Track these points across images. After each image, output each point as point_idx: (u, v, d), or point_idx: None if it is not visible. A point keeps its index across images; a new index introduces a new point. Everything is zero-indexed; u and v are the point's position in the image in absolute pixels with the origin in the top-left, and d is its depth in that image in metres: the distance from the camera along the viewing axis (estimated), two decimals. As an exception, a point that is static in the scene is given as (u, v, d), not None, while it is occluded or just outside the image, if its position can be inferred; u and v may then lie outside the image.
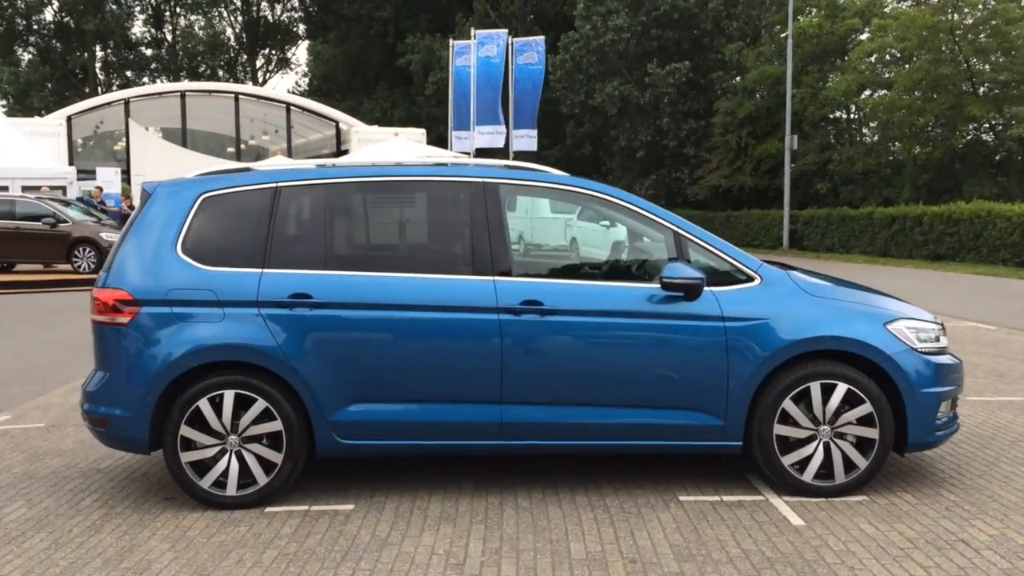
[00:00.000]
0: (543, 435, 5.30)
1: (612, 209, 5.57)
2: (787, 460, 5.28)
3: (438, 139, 41.28)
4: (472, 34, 34.98)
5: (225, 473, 5.24)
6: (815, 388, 5.24)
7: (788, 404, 5.25)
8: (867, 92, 34.43)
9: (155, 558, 4.56)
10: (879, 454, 5.29)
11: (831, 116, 36.64)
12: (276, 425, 5.22)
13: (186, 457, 5.23)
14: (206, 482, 5.24)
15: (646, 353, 5.26)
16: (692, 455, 5.82)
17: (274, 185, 5.45)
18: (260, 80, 66.15)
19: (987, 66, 30.11)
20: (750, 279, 5.36)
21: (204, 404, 5.20)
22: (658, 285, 5.25)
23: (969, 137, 31.36)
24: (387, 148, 25.04)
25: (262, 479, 5.24)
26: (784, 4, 35.24)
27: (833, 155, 34.44)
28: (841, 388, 5.23)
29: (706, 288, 5.24)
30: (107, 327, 5.31)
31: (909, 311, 5.53)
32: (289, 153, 34.24)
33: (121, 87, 57.21)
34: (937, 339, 5.47)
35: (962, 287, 18.99)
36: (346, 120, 35.84)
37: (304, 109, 36.03)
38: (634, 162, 43.86)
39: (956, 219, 25.80)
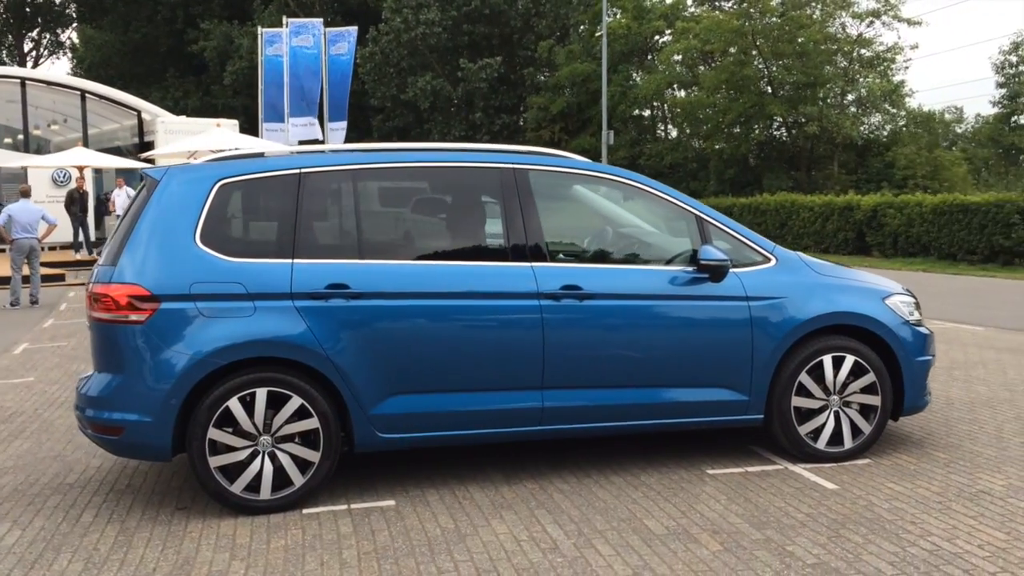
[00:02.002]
0: (583, 419, 5.36)
1: (636, 194, 5.69)
2: (803, 430, 5.59)
3: (242, 131, 39.80)
4: (284, 22, 33.99)
5: (258, 476, 4.96)
6: (827, 361, 5.57)
7: (804, 377, 5.55)
8: (681, 92, 36.16)
9: (225, 569, 4.28)
10: (881, 420, 5.70)
11: (638, 113, 38.23)
12: (312, 423, 4.99)
13: (215, 462, 4.91)
14: (238, 487, 4.94)
15: (679, 333, 5.41)
16: (703, 431, 6.02)
17: (297, 171, 5.20)
18: (31, 65, 61.31)
19: (775, 68, 32.29)
20: (767, 260, 5.63)
21: (234, 404, 4.91)
22: (688, 268, 5.43)
23: (767, 135, 33.58)
24: (208, 140, 23.96)
25: (298, 480, 5.00)
26: (591, 4, 36.44)
27: (644, 149, 35.99)
28: (849, 360, 5.59)
29: (730, 269, 5.46)
30: (117, 326, 4.90)
31: (895, 286, 5.97)
32: (85, 144, 31.95)
33: None
34: (918, 311, 5.94)
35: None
36: (150, 109, 33.76)
37: (101, 97, 33.59)
38: (443, 157, 43.96)
39: (763, 210, 27.68)
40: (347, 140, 36.77)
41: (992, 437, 6.18)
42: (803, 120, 30.89)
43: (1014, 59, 31.04)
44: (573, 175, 5.70)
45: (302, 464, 5.01)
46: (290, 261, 5.02)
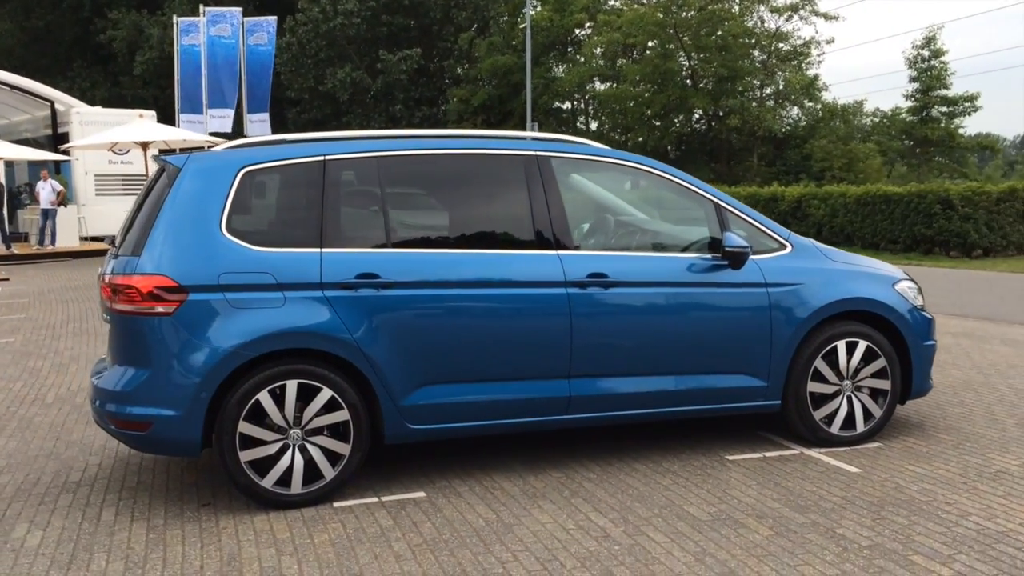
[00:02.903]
0: (608, 407, 5.36)
1: (655, 181, 5.70)
2: (818, 415, 5.69)
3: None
4: (201, 11, 33.15)
5: (289, 470, 4.83)
6: (841, 346, 5.69)
7: (819, 362, 5.65)
8: (602, 85, 36.47)
9: (276, 564, 4.15)
10: (891, 404, 5.84)
11: (559, 106, 38.47)
12: (342, 415, 4.88)
13: (245, 456, 4.76)
14: (268, 481, 4.80)
15: (702, 321, 5.45)
16: (712, 418, 6.08)
17: (321, 158, 5.07)
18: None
19: (696, 61, 32.89)
20: (782, 246, 5.71)
21: (264, 397, 4.77)
22: (707, 255, 5.47)
23: (689, 127, 34.15)
24: (130, 131, 23.26)
25: (329, 473, 4.89)
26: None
27: (568, 142, 36.17)
28: (862, 345, 5.71)
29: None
30: (143, 318, 4.71)
31: (900, 272, 6.12)
32: (-9, 135, 30.60)
33: None
34: (921, 296, 6.11)
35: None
36: (63, 100, 32.45)
37: (12, 86, 32.19)
38: (365, 149, 43.49)
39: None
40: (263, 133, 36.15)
41: (986, 419, 6.40)
42: (725, 113, 31.48)
43: (926, 54, 32.19)
44: (592, 162, 5.67)
45: (332, 457, 4.90)
46: (318, 251, 4.90)
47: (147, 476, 5.50)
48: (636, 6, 35.01)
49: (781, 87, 32.18)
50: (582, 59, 35.03)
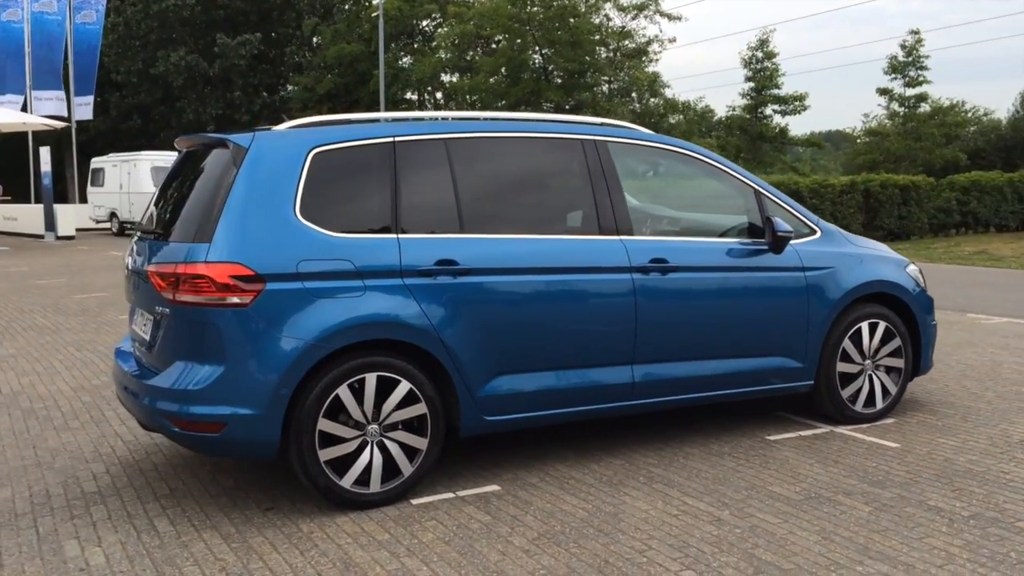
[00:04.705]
0: (668, 391, 5.36)
1: (700, 167, 5.73)
2: (844, 394, 5.90)
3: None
4: (22, -16, 30.89)
5: (367, 468, 4.58)
6: (864, 327, 5.91)
7: (847, 343, 5.86)
8: (454, 77, 36.34)
9: (401, 567, 3.92)
10: (904, 381, 6.12)
11: (408, 97, 38.11)
12: (419, 408, 4.66)
13: (325, 455, 4.48)
14: (347, 481, 4.53)
15: (752, 304, 5.54)
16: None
17: (390, 139, 4.82)
18: None
19: (549, 55, 33.35)
20: (813, 231, 5.87)
21: (344, 391, 4.50)
22: (748, 240, 5.58)
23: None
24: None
25: (407, 469, 4.66)
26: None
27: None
28: (882, 326, 5.96)
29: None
30: (213, 310, 4.34)
31: (903, 257, 6.42)
32: None
33: None
34: (922, 277, 6.43)
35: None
36: None
37: None
38: (201, 136, 41.57)
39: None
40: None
41: (974, 394, 6.81)
42: (576, 106, 32.07)
43: (760, 55, 33.85)
44: (643, 147, 5.64)
45: (409, 452, 4.68)
46: (395, 236, 4.67)
47: (174, 481, 5.08)
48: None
49: (625, 82, 33.04)
50: (434, 50, 34.78)
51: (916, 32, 32.87)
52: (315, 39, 41.03)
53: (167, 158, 29.73)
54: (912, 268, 6.24)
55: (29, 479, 5.19)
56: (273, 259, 4.39)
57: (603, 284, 5.10)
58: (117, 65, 40.58)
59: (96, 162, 30.35)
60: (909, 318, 6.10)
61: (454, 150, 4.96)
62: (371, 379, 4.54)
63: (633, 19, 33.05)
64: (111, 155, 30.11)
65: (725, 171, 5.73)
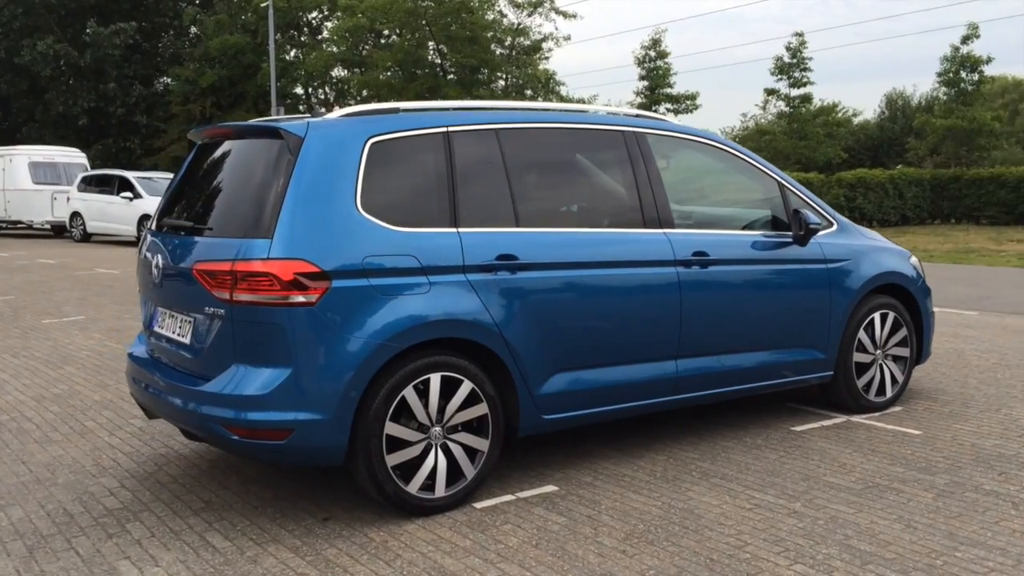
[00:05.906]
0: (708, 385, 5.33)
1: (727, 159, 5.72)
2: (859, 383, 6.01)
3: None
4: None
5: (432, 472, 4.39)
6: (876, 318, 6.03)
7: (862, 333, 5.97)
8: (345, 71, 35.65)
9: (501, 574, 3.77)
10: (910, 369, 6.28)
11: (296, 92, 37.23)
12: (481, 408, 4.49)
13: (392, 460, 4.27)
14: (414, 486, 4.33)
15: (782, 296, 5.58)
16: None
17: (444, 129, 4.62)
18: None
19: (447, 51, 33.12)
20: (830, 224, 5.95)
21: (410, 393, 4.29)
22: (773, 232, 5.62)
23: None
24: None
25: (469, 472, 4.49)
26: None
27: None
28: (891, 316, 6.09)
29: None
30: (276, 309, 4.07)
31: (904, 248, 6.58)
32: None
33: None
34: (921, 269, 6.61)
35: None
36: None
37: None
38: (72, 130, 39.65)
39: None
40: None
41: (957, 382, 7.05)
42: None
43: (653, 54, 34.44)
44: (676, 139, 5.57)
45: (471, 454, 4.51)
46: (455, 230, 4.48)
47: (205, 494, 4.77)
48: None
49: (523, 80, 33.12)
50: (322, 43, 34.04)
51: (800, 35, 33.97)
52: (192, 29, 39.64)
53: (46, 153, 28.21)
54: (913, 259, 6.41)
55: (37, 497, 4.78)
56: (338, 255, 4.15)
57: (652, 277, 5.04)
58: (-23, 55, 38.32)
59: (-35, 157, 28.53)
60: (913, 308, 6.26)
61: (507, 141, 4.80)
62: (435, 379, 4.35)
63: (528, 16, 33.16)
64: (-18, 150, 28.38)
65: (750, 163, 5.74)
